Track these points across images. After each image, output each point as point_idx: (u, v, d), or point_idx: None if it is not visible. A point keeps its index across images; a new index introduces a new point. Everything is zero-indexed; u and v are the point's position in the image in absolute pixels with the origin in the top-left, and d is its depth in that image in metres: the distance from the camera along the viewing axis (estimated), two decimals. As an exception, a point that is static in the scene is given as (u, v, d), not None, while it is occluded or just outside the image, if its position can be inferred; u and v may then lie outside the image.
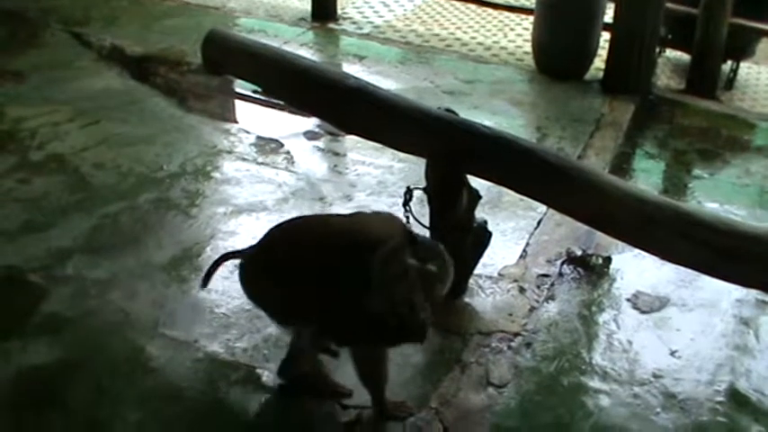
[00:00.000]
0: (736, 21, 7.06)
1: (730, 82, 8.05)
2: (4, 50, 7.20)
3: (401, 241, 3.13)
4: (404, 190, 3.88)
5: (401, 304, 3.03)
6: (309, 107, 4.41)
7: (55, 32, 7.68)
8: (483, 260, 4.36)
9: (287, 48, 6.94)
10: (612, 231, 3.60)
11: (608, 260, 4.70)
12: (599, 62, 7.30)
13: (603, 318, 4.29)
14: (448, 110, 3.87)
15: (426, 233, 3.99)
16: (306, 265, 3.21)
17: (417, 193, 3.94)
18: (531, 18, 7.64)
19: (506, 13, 9.24)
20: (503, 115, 6.41)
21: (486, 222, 4.20)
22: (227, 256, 3.72)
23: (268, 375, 3.74)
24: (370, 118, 3.89)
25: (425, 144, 3.77)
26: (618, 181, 3.60)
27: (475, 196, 3.99)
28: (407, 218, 3.73)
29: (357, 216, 3.64)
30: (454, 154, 3.67)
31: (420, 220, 3.94)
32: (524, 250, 4.76)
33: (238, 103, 6.64)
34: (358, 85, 3.89)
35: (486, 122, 4.03)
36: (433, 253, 3.18)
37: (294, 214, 4.84)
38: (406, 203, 3.97)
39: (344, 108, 3.94)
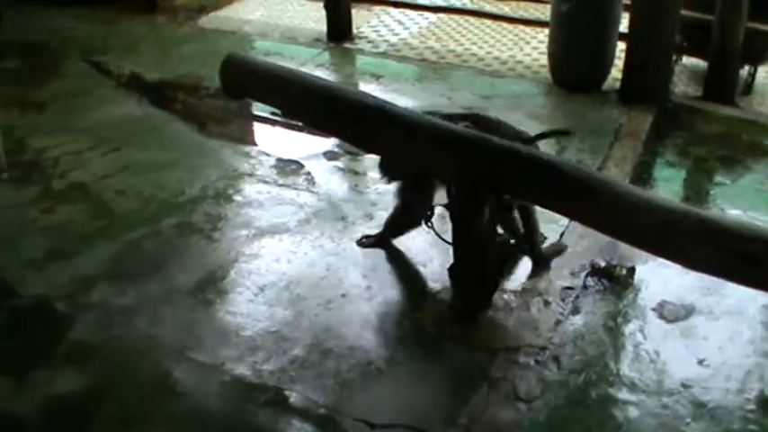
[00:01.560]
0: (752, 25, 7.02)
1: (749, 87, 8.00)
2: (26, 82, 7.33)
3: None
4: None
5: None
6: (328, 128, 4.43)
7: (75, 62, 7.79)
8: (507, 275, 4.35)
9: (304, 69, 6.97)
10: (636, 242, 3.58)
11: (632, 270, 4.68)
12: (616, 72, 7.27)
13: (629, 328, 4.27)
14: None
15: (449, 249, 4.01)
16: None
17: (439, 210, 3.96)
18: (547, 31, 7.62)
19: (521, 27, 9.22)
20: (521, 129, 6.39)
21: (509, 237, 4.19)
22: None
23: (296, 397, 3.75)
24: (390, 137, 3.90)
25: (447, 163, 3.77)
26: (639, 191, 3.58)
27: (502, 209, 4.00)
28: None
29: None
30: (475, 171, 3.67)
31: (442, 236, 3.95)
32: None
33: (257, 126, 6.67)
34: (376, 105, 3.90)
35: (505, 137, 4.02)
36: None
37: (316, 235, 4.91)
38: (428, 220, 3.98)
39: (363, 128, 3.96)
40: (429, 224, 3.93)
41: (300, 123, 5.68)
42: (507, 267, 4.33)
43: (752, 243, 3.20)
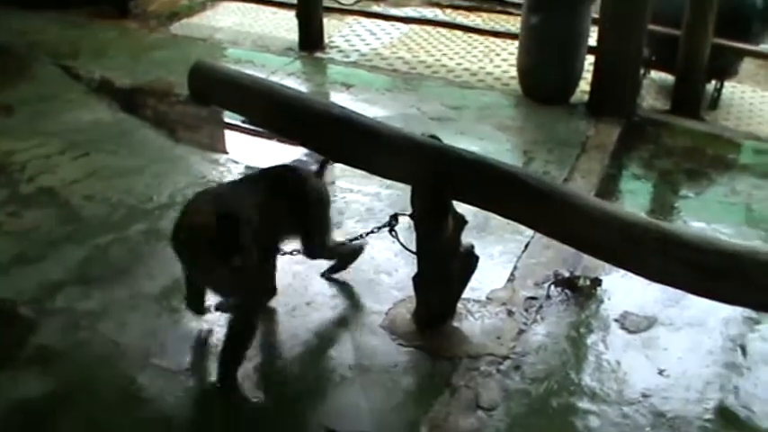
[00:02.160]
0: (718, 41, 7.11)
1: (715, 102, 8.11)
2: (-7, 85, 7.26)
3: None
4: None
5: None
6: (295, 137, 4.43)
7: (44, 66, 7.76)
8: (471, 284, 4.37)
9: (274, 78, 7.03)
10: (596, 253, 3.62)
11: (596, 281, 4.73)
12: (584, 85, 7.35)
13: (592, 339, 4.31)
14: (432, 136, 3.91)
15: (413, 259, 4.03)
16: None
17: (404, 219, 3.98)
18: (517, 43, 7.68)
19: (492, 39, 9.32)
20: (489, 140, 6.46)
21: (472, 246, 4.22)
22: None
23: (258, 403, 3.76)
24: (355, 146, 3.92)
25: (410, 171, 3.80)
26: (600, 202, 3.62)
27: (461, 221, 4.03)
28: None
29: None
30: (438, 180, 3.70)
31: (407, 245, 3.98)
32: (512, 273, 4.77)
33: (227, 133, 6.68)
34: (343, 114, 3.92)
35: (473, 148, 4.05)
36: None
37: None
38: (392, 229, 4.01)
39: (330, 137, 3.97)
40: (393, 233, 3.95)
41: (267, 131, 5.68)
42: (471, 276, 4.34)
43: (710, 255, 3.24)
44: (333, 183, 5.75)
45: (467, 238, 4.19)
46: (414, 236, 4.02)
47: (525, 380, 3.99)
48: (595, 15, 7.08)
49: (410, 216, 3.96)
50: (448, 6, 10.73)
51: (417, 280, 4.15)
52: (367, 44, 9.06)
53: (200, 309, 4.19)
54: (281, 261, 4.62)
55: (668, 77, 7.84)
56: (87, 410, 3.72)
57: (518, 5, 8.17)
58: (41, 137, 6.21)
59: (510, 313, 4.43)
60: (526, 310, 4.47)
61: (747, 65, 8.68)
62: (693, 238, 3.36)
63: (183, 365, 3.98)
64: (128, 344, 4.12)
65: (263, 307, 4.20)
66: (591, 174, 6.03)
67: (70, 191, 5.50)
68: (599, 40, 6.95)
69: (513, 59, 7.90)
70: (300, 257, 4.32)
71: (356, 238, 4.44)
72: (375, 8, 10.52)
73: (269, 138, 6.20)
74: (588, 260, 4.66)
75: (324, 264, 4.57)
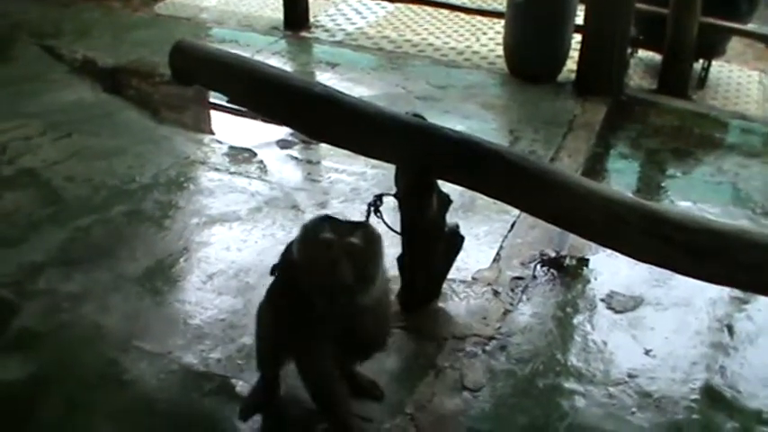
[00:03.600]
0: (705, 20, 7.09)
1: (702, 81, 8.11)
2: (-27, 66, 7.19)
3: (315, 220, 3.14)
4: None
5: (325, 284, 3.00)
6: (277, 116, 4.39)
7: (26, 46, 7.67)
8: (456, 264, 4.34)
9: (259, 57, 6.98)
10: (580, 231, 3.59)
11: (582, 261, 4.72)
12: (571, 64, 7.32)
13: (578, 319, 4.30)
14: (416, 115, 3.87)
15: (398, 239, 4.00)
16: None
17: (389, 200, 3.94)
18: (503, 21, 7.64)
19: (478, 18, 9.24)
20: (475, 119, 6.43)
21: (457, 227, 4.19)
22: None
23: (242, 385, 3.72)
24: (338, 126, 3.88)
25: (393, 150, 3.76)
26: (583, 180, 3.58)
27: (446, 201, 4.00)
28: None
29: None
30: (422, 159, 3.66)
31: (391, 226, 3.94)
32: (498, 254, 4.75)
33: (212, 114, 6.63)
34: (325, 93, 3.87)
35: (459, 127, 4.01)
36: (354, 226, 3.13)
37: (268, 223, 4.89)
38: (377, 210, 3.96)
39: (312, 116, 3.93)
40: (378, 214, 3.91)
41: (250, 111, 5.64)
42: (456, 257, 4.31)
43: (696, 234, 3.22)
44: (318, 162, 5.73)
45: (452, 217, 4.16)
46: (398, 216, 3.99)
47: (511, 360, 3.97)
48: (582, -6, 7.05)
49: (394, 196, 3.93)
50: (434, -15, 10.69)
51: (402, 260, 4.11)
52: (353, 23, 9.01)
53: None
54: (265, 242, 4.62)
55: (656, 56, 7.82)
56: (69, 393, 3.67)
57: (505, -16, 8.11)
58: (22, 118, 6.14)
59: (496, 293, 4.41)
60: (512, 291, 4.45)
61: (735, 44, 8.67)
62: (677, 216, 3.33)
63: (165, 348, 3.95)
64: (110, 326, 4.08)
65: None
66: (577, 153, 6.00)
67: (52, 172, 5.44)
68: (586, 19, 6.91)
69: (500, 38, 7.86)
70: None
71: None
72: (361, -13, 10.47)
73: (253, 117, 6.14)
74: (574, 240, 4.66)
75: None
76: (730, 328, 4.27)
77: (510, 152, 3.66)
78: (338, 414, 3.41)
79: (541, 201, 3.49)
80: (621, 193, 3.57)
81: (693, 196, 5.58)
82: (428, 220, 3.90)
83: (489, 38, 8.66)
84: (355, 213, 4.72)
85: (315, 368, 3.31)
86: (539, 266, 4.66)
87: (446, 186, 3.87)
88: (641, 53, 8.18)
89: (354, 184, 5.42)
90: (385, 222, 3.85)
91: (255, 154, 5.80)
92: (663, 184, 5.82)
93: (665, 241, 3.23)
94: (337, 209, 5.01)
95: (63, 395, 3.67)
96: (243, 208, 5.12)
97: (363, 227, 3.15)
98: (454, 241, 4.20)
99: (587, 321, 4.28)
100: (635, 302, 4.42)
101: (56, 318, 4.13)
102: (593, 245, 4.28)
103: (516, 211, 4.88)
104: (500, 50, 7.76)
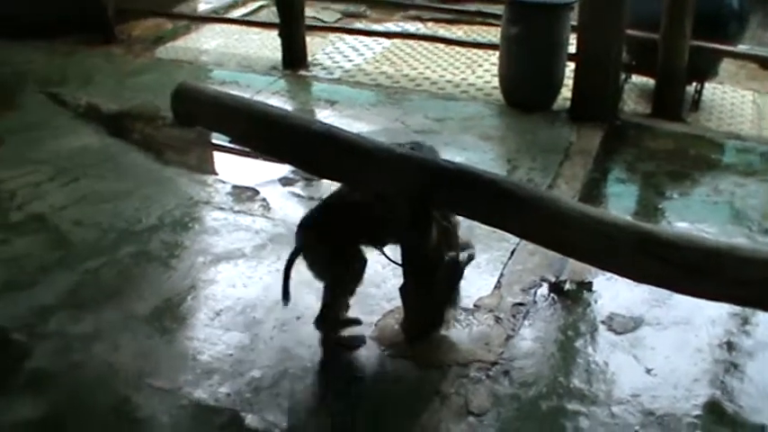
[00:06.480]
0: (696, 43, 7.17)
1: (696, 103, 8.19)
2: (-19, 115, 7.30)
3: None
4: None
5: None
6: (278, 155, 4.48)
7: (32, 94, 7.79)
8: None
9: (259, 97, 7.10)
10: (581, 257, 3.67)
11: (582, 285, 4.78)
12: (566, 92, 7.41)
13: (579, 342, 4.36)
14: (414, 143, 3.96)
15: (398, 270, 4.07)
16: None
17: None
18: (498, 53, 7.74)
19: (474, 50, 9.38)
20: (473, 150, 6.52)
21: (457, 256, 4.25)
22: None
23: (251, 419, 3.79)
24: (337, 161, 3.97)
25: (392, 183, 3.84)
26: (580, 206, 3.66)
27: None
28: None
29: None
30: (420, 191, 3.74)
31: (392, 258, 4.02)
32: (499, 281, 4.81)
33: (214, 154, 6.72)
34: (324, 130, 3.97)
35: (457, 158, 4.10)
36: None
37: (272, 259, 4.96)
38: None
39: (312, 153, 4.01)
40: (378, 246, 3.99)
41: (252, 150, 5.73)
42: (457, 285, 4.39)
43: (691, 253, 3.29)
44: (320, 199, 5.80)
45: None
46: (398, 247, 4.06)
47: (514, 385, 4.03)
48: (574, 23, 7.14)
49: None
50: (429, 20, 10.84)
51: (404, 291, 4.19)
52: (350, 60, 9.14)
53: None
54: (270, 278, 4.69)
55: (649, 81, 7.89)
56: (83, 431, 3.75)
57: (498, 17, 8.22)
58: (30, 165, 6.25)
59: (498, 320, 4.48)
60: (514, 316, 4.51)
61: (728, 65, 8.77)
62: (672, 236, 3.40)
63: (176, 384, 4.02)
64: (121, 364, 4.15)
65: None
66: (574, 179, 6.08)
67: (60, 217, 5.54)
68: (578, 47, 7.01)
69: (495, 70, 7.96)
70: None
71: None
72: (357, 24, 10.63)
73: (255, 157, 6.23)
74: (574, 264, 4.72)
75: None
76: (730, 345, 4.32)
77: (508, 182, 3.74)
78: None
79: (539, 228, 3.57)
80: (612, 215, 3.64)
81: (691, 217, 5.64)
82: (428, 252, 3.97)
83: (485, 69, 8.78)
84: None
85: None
86: (539, 292, 4.73)
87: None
88: (635, 78, 8.25)
89: (356, 217, 5.48)
90: (386, 255, 3.94)
91: (258, 192, 5.89)
92: (660, 207, 5.88)
93: (657, 260, 3.30)
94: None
95: (77, 434, 3.74)
96: (247, 245, 5.20)
97: None
98: (455, 270, 4.27)
99: (588, 344, 4.34)
100: (635, 323, 4.48)
101: (67, 358, 4.21)
102: (593, 269, 4.37)
103: (516, 239, 4.94)
104: (496, 82, 7.86)
